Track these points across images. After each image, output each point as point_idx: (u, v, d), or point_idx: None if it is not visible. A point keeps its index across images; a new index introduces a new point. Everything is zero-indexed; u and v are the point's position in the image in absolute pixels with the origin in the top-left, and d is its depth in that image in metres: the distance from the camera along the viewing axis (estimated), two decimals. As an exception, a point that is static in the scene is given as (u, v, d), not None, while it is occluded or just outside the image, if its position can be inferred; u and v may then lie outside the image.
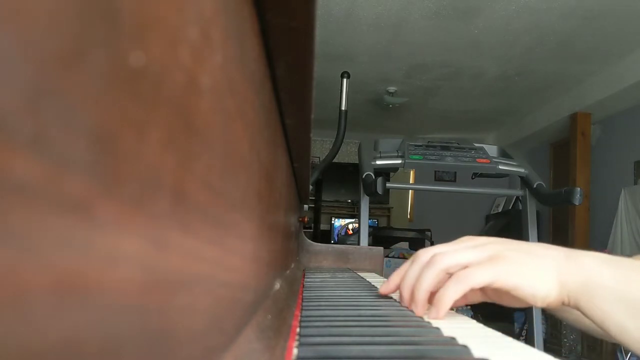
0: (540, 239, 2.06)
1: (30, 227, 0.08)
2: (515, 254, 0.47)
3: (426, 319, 0.45)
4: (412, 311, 0.48)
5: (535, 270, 0.46)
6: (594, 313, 0.45)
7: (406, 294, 0.49)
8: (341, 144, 1.72)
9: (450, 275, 0.48)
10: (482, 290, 0.51)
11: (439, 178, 5.74)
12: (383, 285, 0.55)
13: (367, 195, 2.01)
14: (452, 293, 0.45)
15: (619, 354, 2.87)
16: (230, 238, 0.24)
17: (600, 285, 0.45)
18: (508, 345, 0.35)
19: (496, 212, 5.26)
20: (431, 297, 0.47)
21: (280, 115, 0.45)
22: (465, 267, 0.47)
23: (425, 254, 0.50)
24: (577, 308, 0.46)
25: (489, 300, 0.52)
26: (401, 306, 0.51)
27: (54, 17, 0.08)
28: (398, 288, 0.54)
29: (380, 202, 5.47)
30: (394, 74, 3.86)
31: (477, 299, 0.52)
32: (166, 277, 0.15)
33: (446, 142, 2.25)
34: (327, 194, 5.05)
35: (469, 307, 3.29)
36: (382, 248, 1.33)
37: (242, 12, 0.25)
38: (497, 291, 0.48)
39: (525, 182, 2.17)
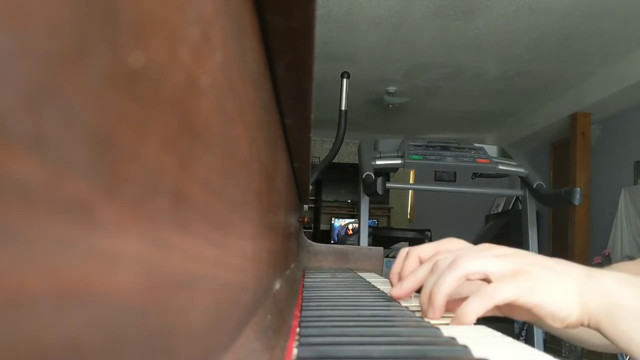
0: (540, 238, 2.06)
1: (29, 229, 0.08)
2: (539, 270, 0.44)
3: (426, 319, 0.45)
4: (412, 311, 0.48)
5: (558, 290, 0.44)
6: (617, 336, 0.43)
7: (424, 297, 0.47)
8: (341, 144, 1.72)
9: (469, 281, 0.46)
10: (497, 305, 0.48)
11: (438, 178, 5.74)
12: (396, 288, 0.53)
13: (367, 195, 2.01)
14: (476, 309, 0.43)
15: (619, 355, 2.87)
16: (230, 238, 0.24)
17: (623, 308, 0.43)
18: (508, 345, 0.34)
19: (496, 212, 5.26)
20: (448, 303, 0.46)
21: (280, 115, 0.45)
22: (486, 275, 0.45)
23: (445, 257, 0.48)
24: (598, 330, 0.44)
25: (500, 315, 0.50)
26: (401, 306, 0.51)
27: (54, 17, 0.08)
28: (412, 292, 0.52)
29: (380, 202, 5.47)
30: (394, 74, 3.86)
31: (490, 313, 0.49)
32: (166, 277, 0.15)
33: (446, 142, 2.25)
34: (327, 194, 5.05)
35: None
36: (382, 248, 1.33)
37: (242, 12, 0.25)
38: (513, 307, 0.46)
39: (525, 182, 2.17)
